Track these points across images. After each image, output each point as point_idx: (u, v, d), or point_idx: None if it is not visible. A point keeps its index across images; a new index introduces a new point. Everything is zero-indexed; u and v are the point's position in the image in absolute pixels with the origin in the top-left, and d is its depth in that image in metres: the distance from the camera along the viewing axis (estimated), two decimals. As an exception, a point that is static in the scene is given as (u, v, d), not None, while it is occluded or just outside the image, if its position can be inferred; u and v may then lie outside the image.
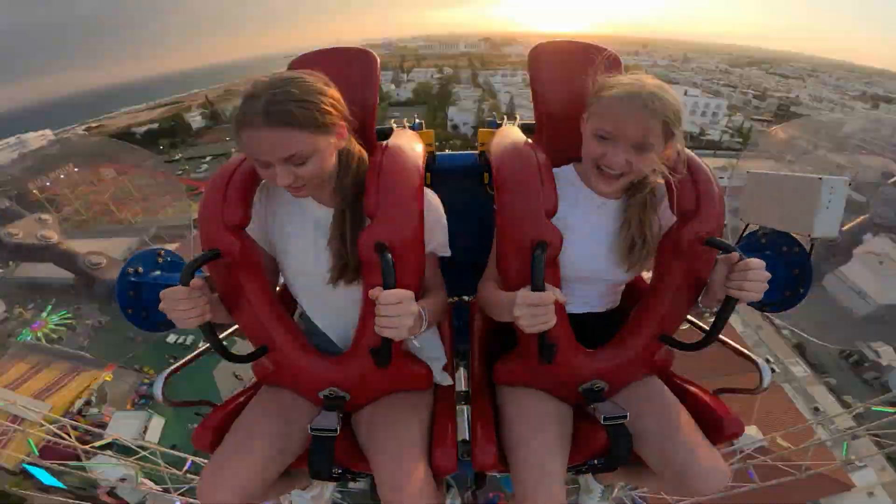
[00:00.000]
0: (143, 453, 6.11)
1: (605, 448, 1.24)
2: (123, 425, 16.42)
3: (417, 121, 1.68)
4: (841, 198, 1.39)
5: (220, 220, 1.13)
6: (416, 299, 1.09)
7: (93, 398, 19.14)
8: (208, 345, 1.22)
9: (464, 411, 1.48)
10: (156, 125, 72.72)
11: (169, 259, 1.58)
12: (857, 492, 12.57)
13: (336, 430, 1.17)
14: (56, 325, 22.79)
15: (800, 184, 1.44)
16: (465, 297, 2.09)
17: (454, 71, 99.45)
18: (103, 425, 15.86)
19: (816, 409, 16.61)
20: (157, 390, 1.30)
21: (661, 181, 1.22)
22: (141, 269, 1.50)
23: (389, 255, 1.03)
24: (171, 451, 6.27)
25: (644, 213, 1.24)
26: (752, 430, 11.55)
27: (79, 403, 18.48)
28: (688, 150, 1.20)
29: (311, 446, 1.19)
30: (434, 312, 1.20)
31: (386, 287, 1.01)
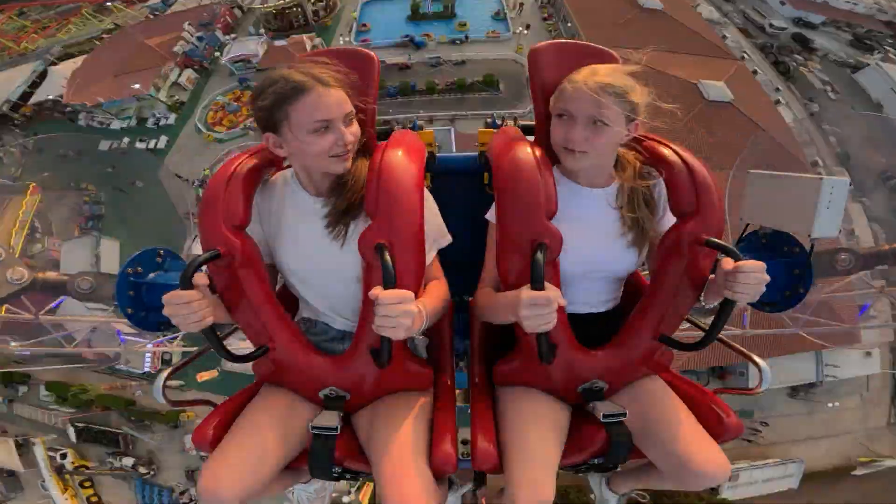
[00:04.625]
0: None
1: (604, 447, 1.24)
2: (73, 259, 14.19)
3: (418, 122, 1.68)
4: (842, 198, 1.39)
5: (221, 221, 1.13)
6: (416, 298, 1.08)
7: (37, 231, 16.00)
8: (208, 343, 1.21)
9: (464, 411, 1.48)
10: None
11: (168, 259, 1.57)
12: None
13: (336, 429, 1.17)
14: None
15: (801, 184, 1.44)
16: (465, 297, 2.09)
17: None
18: (56, 265, 13.65)
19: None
20: (158, 391, 1.29)
21: (660, 177, 1.23)
22: (140, 269, 1.50)
23: (389, 257, 1.03)
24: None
25: (634, 194, 1.27)
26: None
27: (18, 240, 15.50)
28: (687, 151, 1.20)
29: (312, 445, 1.19)
30: (434, 309, 1.20)
31: (386, 288, 1.01)
